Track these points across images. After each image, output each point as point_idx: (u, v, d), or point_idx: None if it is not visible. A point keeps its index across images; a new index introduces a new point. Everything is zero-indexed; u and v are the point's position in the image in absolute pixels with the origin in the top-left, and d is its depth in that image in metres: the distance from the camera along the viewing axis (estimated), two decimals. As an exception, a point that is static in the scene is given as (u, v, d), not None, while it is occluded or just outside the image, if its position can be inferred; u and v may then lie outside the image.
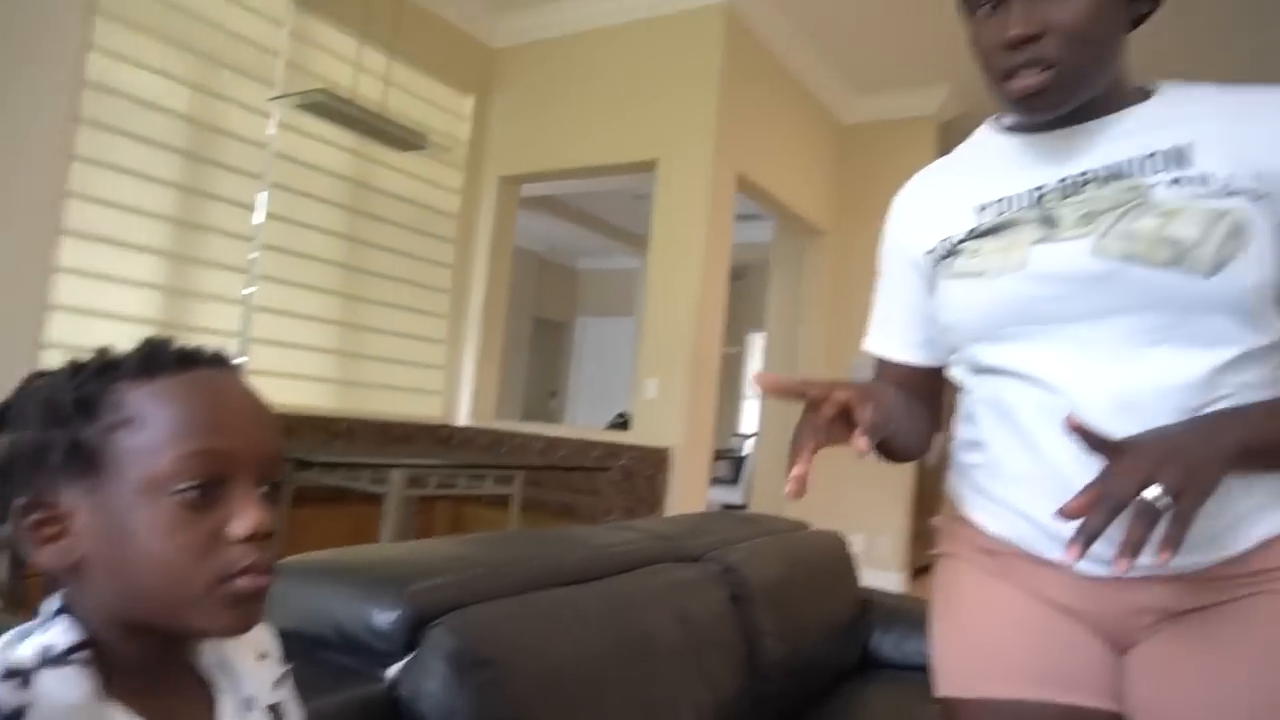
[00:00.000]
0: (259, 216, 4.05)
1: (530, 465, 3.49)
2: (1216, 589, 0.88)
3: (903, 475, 5.56)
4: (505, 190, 5.21)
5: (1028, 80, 0.85)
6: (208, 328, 3.85)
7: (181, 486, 0.56)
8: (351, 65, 4.24)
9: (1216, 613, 0.88)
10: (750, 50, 4.67)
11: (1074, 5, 0.82)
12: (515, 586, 1.27)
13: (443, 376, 5.09)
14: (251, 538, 0.58)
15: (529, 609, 1.21)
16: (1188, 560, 0.86)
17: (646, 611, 1.41)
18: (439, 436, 5.00)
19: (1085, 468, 0.81)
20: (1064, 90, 0.86)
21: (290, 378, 4.25)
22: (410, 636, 1.09)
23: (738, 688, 1.57)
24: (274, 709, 0.67)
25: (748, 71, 4.65)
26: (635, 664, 1.31)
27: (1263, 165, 0.82)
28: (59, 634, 0.55)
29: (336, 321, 4.46)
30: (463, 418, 5.09)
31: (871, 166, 5.79)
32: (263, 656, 0.69)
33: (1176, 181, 0.84)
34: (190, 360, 0.60)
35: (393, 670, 1.07)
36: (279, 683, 0.70)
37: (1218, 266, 0.79)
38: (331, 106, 3.54)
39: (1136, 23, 0.89)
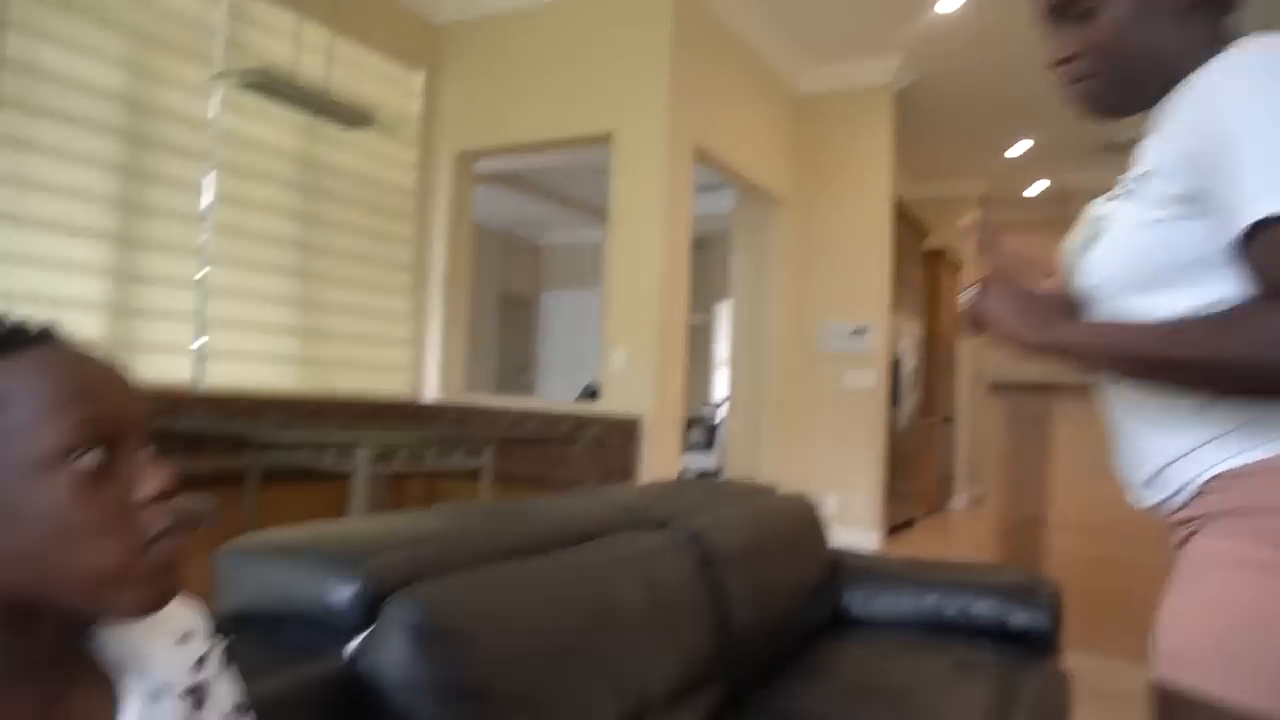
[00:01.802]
0: (207, 198, 3.96)
1: (500, 438, 3.47)
2: (1177, 532, 0.91)
3: (876, 436, 5.61)
4: (460, 166, 5.13)
5: (1071, 92, 0.98)
6: (162, 309, 3.77)
7: (75, 456, 0.52)
8: (293, 42, 4.13)
9: (1179, 554, 0.89)
10: (702, 21, 4.62)
11: (1101, 25, 0.92)
12: (477, 558, 1.26)
13: (409, 353, 5.04)
14: (161, 496, 0.55)
15: (491, 580, 1.20)
16: (1150, 497, 0.93)
17: (612, 579, 1.41)
18: (407, 413, 4.95)
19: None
20: (1104, 97, 0.96)
21: (252, 359, 4.18)
22: (369, 611, 1.07)
23: (708, 651, 1.58)
24: (194, 691, 0.63)
25: (701, 42, 4.60)
26: (602, 632, 1.30)
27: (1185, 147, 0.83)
28: None
29: (296, 301, 4.39)
30: (431, 394, 5.05)
31: (828, 135, 5.79)
32: (184, 637, 0.64)
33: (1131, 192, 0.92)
34: (32, 335, 0.56)
35: (351, 646, 1.05)
36: (201, 662, 0.65)
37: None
38: (273, 84, 3.44)
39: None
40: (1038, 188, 8.18)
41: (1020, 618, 2.07)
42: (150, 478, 0.55)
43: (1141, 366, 0.85)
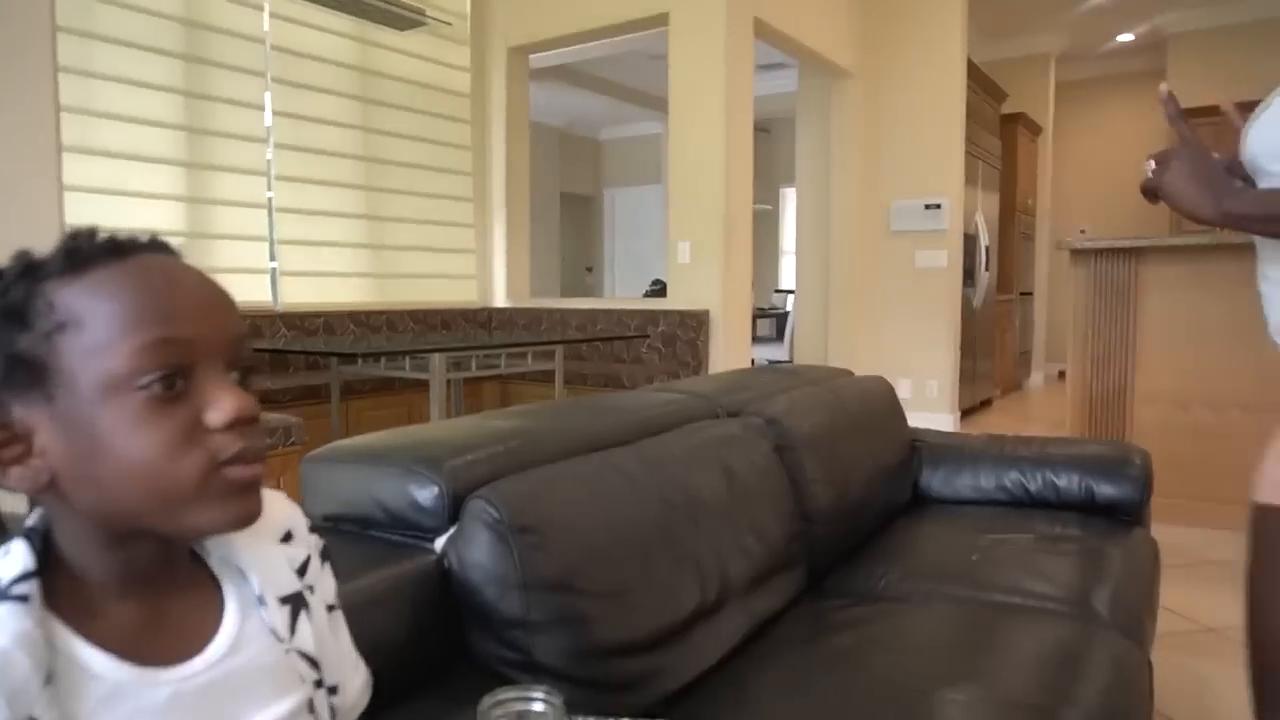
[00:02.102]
0: (268, 116, 3.97)
1: (568, 339, 3.49)
2: None
3: (950, 320, 5.48)
4: (514, 62, 5.01)
5: None
6: (236, 232, 3.86)
7: (144, 381, 0.50)
8: (338, -58, 4.03)
9: None
10: (757, -125, 4.32)
11: None
12: (553, 455, 1.28)
13: (475, 261, 5.07)
14: (233, 424, 0.53)
15: (569, 474, 1.22)
16: None
17: (688, 469, 1.42)
18: (478, 320, 5.03)
19: None
20: None
21: (323, 276, 4.27)
22: (453, 510, 1.10)
23: (787, 535, 1.59)
24: (295, 598, 0.63)
25: (756, -100, 4.32)
26: (681, 521, 1.32)
27: None
28: (9, 562, 0.51)
29: (361, 215, 4.43)
30: (499, 300, 5.10)
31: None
32: (285, 542, 0.65)
33: None
34: (122, 248, 0.54)
35: (439, 543, 1.09)
36: (304, 568, 0.66)
37: None
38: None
39: None
40: (1123, 39, 7.60)
41: (1108, 489, 2.03)
42: (225, 404, 0.53)
43: None
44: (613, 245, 10.35)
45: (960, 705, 1.16)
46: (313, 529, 0.69)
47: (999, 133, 6.86)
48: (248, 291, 3.93)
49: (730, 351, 4.26)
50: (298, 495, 2.36)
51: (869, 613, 1.48)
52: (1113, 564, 1.72)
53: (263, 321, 3.93)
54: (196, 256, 0.57)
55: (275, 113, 4.00)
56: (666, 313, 4.35)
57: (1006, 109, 6.98)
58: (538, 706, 0.74)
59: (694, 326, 4.24)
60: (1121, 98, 8.22)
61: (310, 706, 0.63)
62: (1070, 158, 8.42)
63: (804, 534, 1.66)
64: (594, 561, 1.13)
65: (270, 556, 0.63)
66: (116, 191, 3.38)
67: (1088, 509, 2.04)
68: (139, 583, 0.55)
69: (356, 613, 0.98)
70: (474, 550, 1.05)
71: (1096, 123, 8.38)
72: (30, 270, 0.53)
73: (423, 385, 3.68)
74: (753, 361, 4.87)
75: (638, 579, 1.18)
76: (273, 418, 2.43)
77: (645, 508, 1.27)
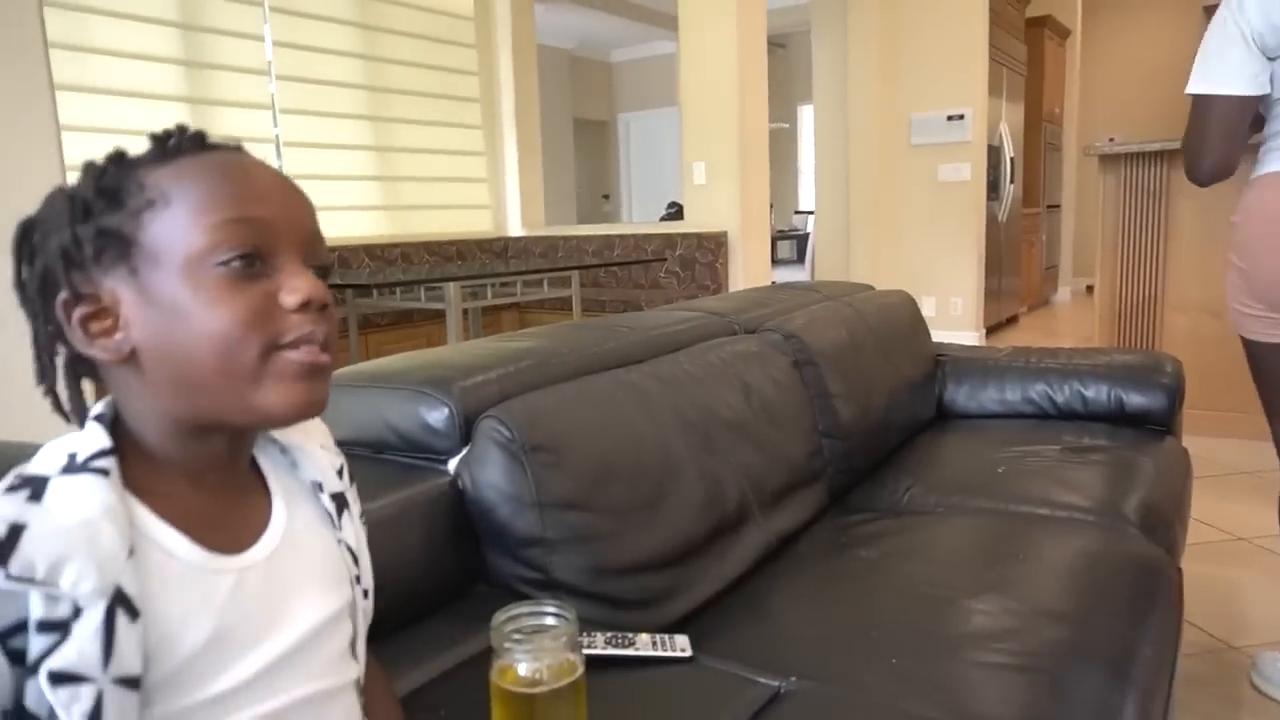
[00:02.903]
0: (269, 49, 3.88)
1: (584, 265, 3.45)
2: None
3: (974, 235, 5.36)
4: (519, -20, 4.85)
5: None
6: (244, 169, 3.80)
7: (223, 258, 0.53)
8: None
9: None
10: None
11: None
12: (565, 374, 1.25)
13: (488, 190, 4.99)
14: (305, 307, 0.55)
15: (581, 393, 1.20)
16: None
17: (705, 386, 1.39)
18: (494, 250, 4.98)
19: None
20: None
21: (334, 210, 4.22)
22: (465, 431, 1.09)
23: (809, 450, 1.57)
24: (339, 497, 0.67)
25: None
26: (697, 438, 1.30)
27: None
28: (87, 438, 0.53)
29: (369, 147, 4.35)
30: (514, 229, 5.04)
31: (918, -109, 5.18)
32: (323, 447, 0.68)
33: None
34: (210, 144, 0.58)
35: (452, 464, 1.08)
36: (341, 472, 0.69)
37: None
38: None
39: None
40: (1158, -67, 7.22)
41: (1138, 399, 1.98)
42: (300, 287, 0.55)
43: None
44: (628, 171, 10.18)
45: (987, 614, 1.14)
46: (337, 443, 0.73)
47: (1024, 37, 6.59)
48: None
49: (750, 274, 4.19)
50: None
51: (892, 526, 1.46)
52: (1143, 473, 1.69)
53: (277, 258, 3.91)
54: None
55: (275, 44, 3.91)
56: (684, 235, 4.28)
57: (1032, 12, 6.70)
58: (549, 621, 0.73)
59: (712, 249, 4.17)
60: (1155, -3, 7.86)
61: (352, 609, 0.66)
62: (1100, 63, 8.09)
63: (825, 450, 1.64)
64: (610, 479, 1.12)
65: (318, 455, 0.67)
66: (115, 130, 3.33)
67: (1117, 419, 2.00)
68: (206, 470, 0.58)
69: (373, 535, 0.97)
70: (487, 470, 1.04)
71: (1128, 25, 8.02)
72: (124, 158, 0.57)
73: (441, 316, 3.67)
74: (773, 284, 4.80)
75: (655, 497, 1.16)
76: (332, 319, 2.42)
77: (661, 425, 1.24)
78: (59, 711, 0.46)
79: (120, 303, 0.54)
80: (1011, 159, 6.11)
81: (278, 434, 0.65)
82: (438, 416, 1.09)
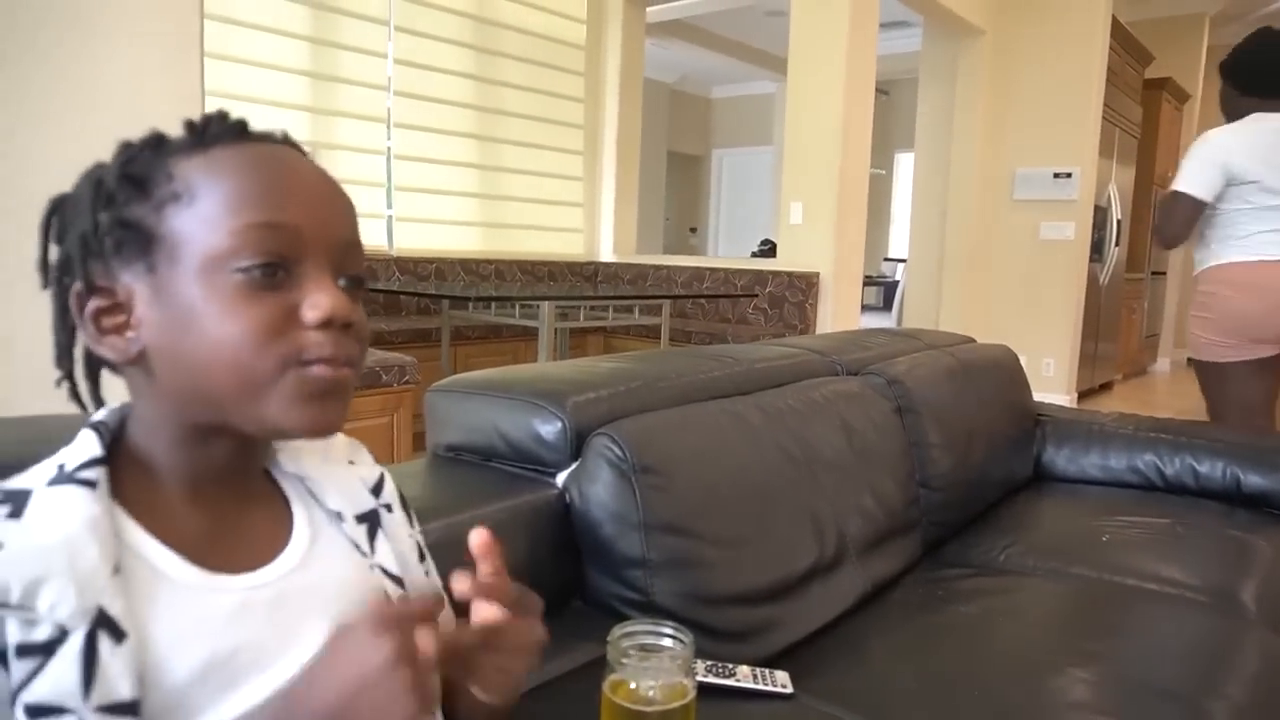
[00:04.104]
0: (389, 65, 4.04)
1: (677, 295, 3.47)
2: None
3: (1073, 295, 5.20)
4: (631, 13, 4.95)
5: None
6: (356, 177, 3.96)
7: (243, 264, 0.49)
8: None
9: None
10: None
11: None
12: (672, 399, 1.26)
13: (583, 214, 5.08)
14: (327, 324, 0.50)
15: (689, 419, 1.20)
16: None
17: (808, 423, 1.38)
18: (584, 273, 5.05)
19: None
20: None
21: (435, 223, 4.35)
22: (574, 445, 1.10)
23: (905, 498, 1.53)
24: (370, 516, 0.62)
25: None
26: (799, 474, 1.29)
27: None
28: (79, 447, 0.50)
29: (474, 165, 4.48)
30: (605, 254, 5.10)
31: (1039, -53, 5.11)
32: (352, 463, 0.64)
33: None
34: (250, 134, 0.54)
35: (561, 477, 1.09)
36: (378, 490, 0.64)
37: None
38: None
39: None
40: (1290, 0, 6.97)
41: (1256, 479, 1.88)
42: (323, 303, 0.50)
43: None
44: (718, 207, 10.23)
45: (1089, 684, 1.10)
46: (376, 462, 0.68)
47: (1140, 99, 6.41)
48: (365, 236, 4.03)
49: (839, 316, 4.15)
50: (412, 429, 2.42)
51: (990, 584, 1.41)
52: (1261, 558, 1.60)
53: (378, 265, 4.04)
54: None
55: (396, 61, 4.07)
56: (775, 273, 4.27)
57: (1151, 73, 6.51)
58: (666, 642, 0.73)
59: (803, 289, 4.14)
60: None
61: None
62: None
63: (922, 499, 1.60)
64: (714, 507, 1.11)
65: (343, 476, 0.63)
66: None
67: (1232, 499, 1.90)
68: (210, 484, 0.54)
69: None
70: (596, 487, 1.04)
71: (1250, 92, 7.74)
72: (158, 143, 0.53)
73: (529, 334, 3.73)
74: (871, 328, 4.74)
75: (756, 529, 1.16)
76: (391, 356, 2.49)
77: (765, 458, 1.24)
78: None
79: (135, 300, 0.51)
80: (1118, 221, 5.93)
81: (294, 466, 0.61)
82: (550, 429, 1.10)
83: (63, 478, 0.48)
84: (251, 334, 0.49)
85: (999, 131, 5.33)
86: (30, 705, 0.42)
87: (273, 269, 0.50)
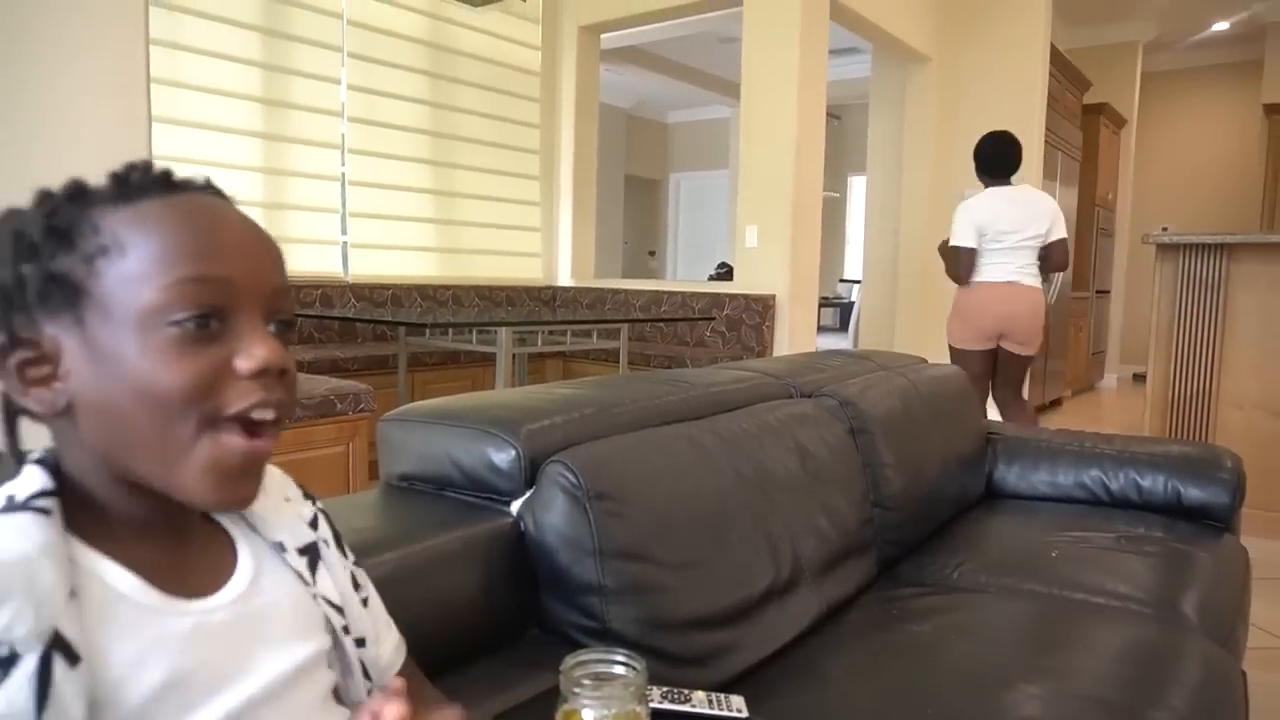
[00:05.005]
0: (343, 91, 4.03)
1: (635, 319, 3.48)
2: None
3: (1019, 311, 5.31)
4: (585, 40, 5.00)
5: None
6: (310, 204, 3.92)
7: (177, 318, 0.49)
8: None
9: None
10: None
11: None
12: (628, 425, 1.26)
13: (540, 239, 5.08)
14: (261, 373, 0.51)
15: (643, 444, 1.20)
16: None
17: (762, 446, 1.39)
18: (542, 298, 5.05)
19: None
20: None
21: (391, 249, 4.33)
22: (529, 473, 1.10)
23: (859, 519, 1.55)
24: (311, 549, 0.64)
25: (840, -123, 4.22)
26: (754, 497, 1.30)
27: None
28: (25, 481, 0.50)
29: (430, 190, 4.47)
30: (564, 278, 5.11)
31: (981, -22, 5.28)
32: (287, 499, 0.65)
33: None
34: (174, 184, 0.54)
35: (515, 505, 1.09)
36: (314, 523, 0.66)
37: None
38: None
39: None
40: (1218, 28, 7.27)
41: (1195, 492, 1.94)
42: (256, 352, 0.51)
43: None
44: (676, 230, 10.31)
45: (1040, 699, 1.12)
46: (307, 495, 0.69)
47: (1080, 124, 6.62)
48: (319, 262, 4.00)
49: (796, 338, 4.20)
50: (368, 458, 2.39)
51: (944, 602, 1.43)
52: (1202, 569, 1.65)
53: (333, 291, 4.00)
54: (270, 226, 0.57)
55: (350, 87, 4.06)
56: (732, 296, 4.31)
57: (1089, 99, 6.74)
58: (618, 670, 0.73)
59: (759, 311, 4.19)
60: (1212, 91, 7.86)
61: (339, 656, 0.63)
62: (1155, 152, 8.09)
63: (876, 519, 1.62)
64: (669, 532, 1.12)
65: (281, 510, 0.64)
66: (198, 161, 3.47)
67: (1173, 512, 1.95)
68: (153, 523, 0.54)
69: (431, 570, 0.99)
70: (551, 514, 1.04)
71: (1184, 116, 8.03)
72: (81, 194, 0.52)
73: (487, 359, 3.71)
74: (824, 350, 4.79)
75: (712, 553, 1.16)
76: (346, 384, 2.47)
77: (720, 482, 1.24)
78: None
79: (62, 351, 0.50)
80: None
81: None
82: (504, 457, 1.10)
83: (14, 506, 0.48)
84: (181, 387, 0.49)
85: (947, 154, 5.46)
86: None
87: (206, 320, 0.50)
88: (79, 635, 0.46)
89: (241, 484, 0.53)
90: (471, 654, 1.00)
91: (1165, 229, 7.54)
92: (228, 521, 0.61)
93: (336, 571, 0.65)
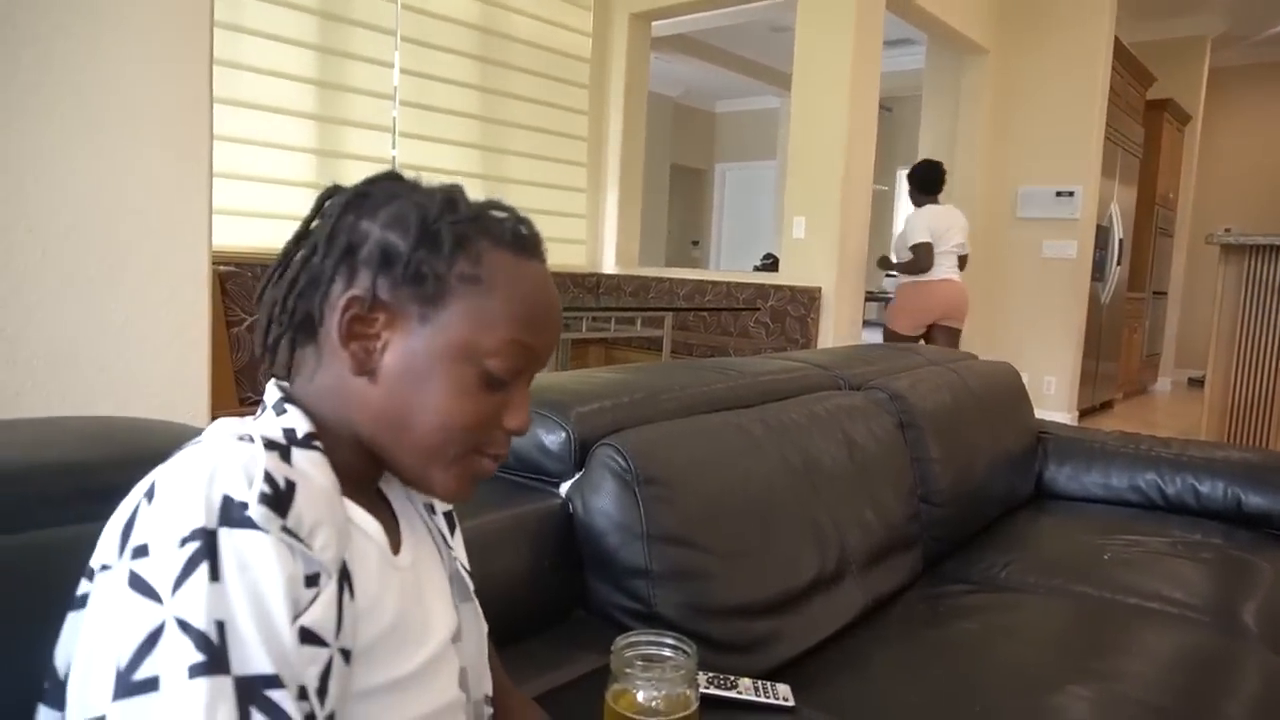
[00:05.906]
0: (397, 75, 4.06)
1: (680, 307, 3.47)
2: None
3: (1075, 314, 5.21)
4: (636, 28, 4.98)
5: None
6: (361, 187, 3.97)
7: (491, 367, 0.57)
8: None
9: None
10: None
11: None
12: (676, 411, 1.26)
13: (586, 225, 5.09)
14: (517, 431, 0.60)
15: (693, 430, 1.20)
16: None
17: (811, 436, 1.38)
18: (586, 284, 5.06)
19: None
20: None
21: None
22: (579, 456, 1.10)
23: (906, 513, 1.54)
24: (449, 515, 0.71)
25: None
26: (801, 487, 1.29)
27: None
28: (295, 419, 0.55)
29: (478, 175, 4.50)
30: (608, 266, 5.11)
31: (1043, -33, 5.15)
32: None
33: None
34: (537, 250, 0.61)
35: (565, 487, 1.09)
36: None
37: None
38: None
39: None
40: (1291, 23, 7.01)
41: (1257, 499, 1.88)
42: (522, 418, 0.59)
43: None
44: (720, 220, 10.25)
45: (1090, 702, 1.09)
46: None
47: (1143, 120, 6.44)
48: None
49: (841, 331, 4.15)
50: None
51: (991, 601, 1.41)
52: (1262, 578, 1.60)
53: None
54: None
55: (403, 70, 4.09)
56: (778, 287, 4.27)
57: (1153, 94, 6.55)
58: (668, 653, 0.73)
59: (805, 303, 4.15)
60: (1283, 88, 7.60)
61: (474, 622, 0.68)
62: (1219, 150, 7.84)
63: (923, 514, 1.60)
64: (716, 519, 1.11)
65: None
66: (254, 141, 3.53)
67: (1232, 518, 1.90)
68: (366, 480, 0.61)
69: (480, 550, 0.99)
70: (600, 497, 1.05)
71: (1252, 114, 7.76)
72: (481, 222, 0.59)
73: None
74: (872, 344, 4.74)
75: (758, 541, 1.16)
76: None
77: (768, 471, 1.24)
78: (299, 669, 0.46)
79: (394, 327, 0.56)
80: (1120, 241, 5.94)
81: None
82: (554, 439, 1.11)
83: (300, 442, 0.53)
84: (467, 423, 0.57)
85: (1001, 149, 5.35)
86: (305, 629, 0.47)
87: (508, 376, 0.58)
88: (352, 571, 0.52)
89: (473, 489, 0.61)
90: (519, 633, 1.01)
91: (1228, 229, 7.32)
92: (386, 487, 0.65)
93: (458, 540, 0.71)
